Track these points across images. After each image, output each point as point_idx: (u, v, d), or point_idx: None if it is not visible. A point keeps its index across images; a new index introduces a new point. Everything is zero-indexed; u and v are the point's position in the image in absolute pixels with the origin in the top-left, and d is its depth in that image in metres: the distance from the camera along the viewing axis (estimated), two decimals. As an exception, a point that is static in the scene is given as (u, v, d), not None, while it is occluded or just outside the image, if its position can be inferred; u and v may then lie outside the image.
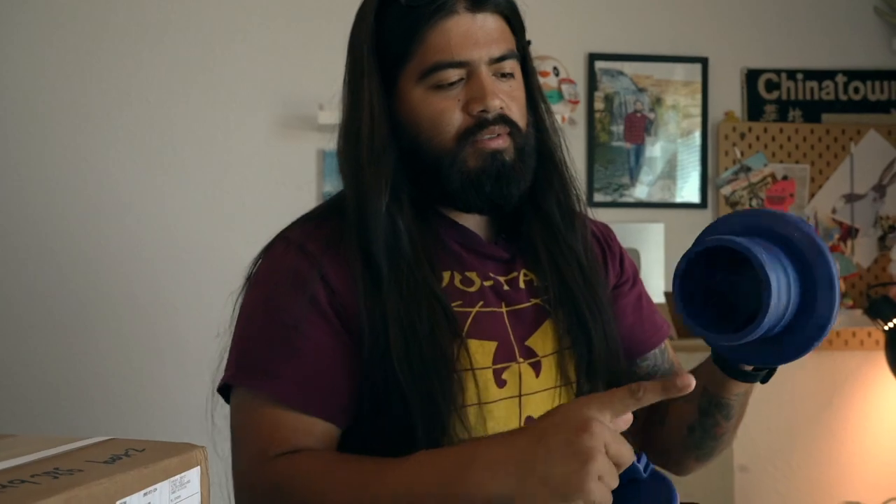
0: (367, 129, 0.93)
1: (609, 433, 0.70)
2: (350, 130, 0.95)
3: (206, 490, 0.56)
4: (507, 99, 0.92)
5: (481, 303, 0.95)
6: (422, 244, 0.93)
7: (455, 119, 0.91)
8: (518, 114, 0.94)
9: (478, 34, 0.90)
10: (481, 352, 0.92)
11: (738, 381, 0.90)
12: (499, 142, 0.91)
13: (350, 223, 0.93)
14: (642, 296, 1.09)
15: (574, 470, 0.68)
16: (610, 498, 0.69)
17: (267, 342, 0.91)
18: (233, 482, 0.93)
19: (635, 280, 1.09)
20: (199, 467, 0.55)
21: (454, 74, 0.90)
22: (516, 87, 0.94)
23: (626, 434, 1.03)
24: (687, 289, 0.81)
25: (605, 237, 1.09)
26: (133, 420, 2.06)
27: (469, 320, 0.93)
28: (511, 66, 0.93)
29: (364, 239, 0.91)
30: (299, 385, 0.89)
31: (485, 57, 0.90)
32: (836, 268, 0.79)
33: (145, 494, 0.50)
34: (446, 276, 0.95)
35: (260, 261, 0.97)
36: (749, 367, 0.88)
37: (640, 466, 0.74)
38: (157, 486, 0.51)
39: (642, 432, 1.03)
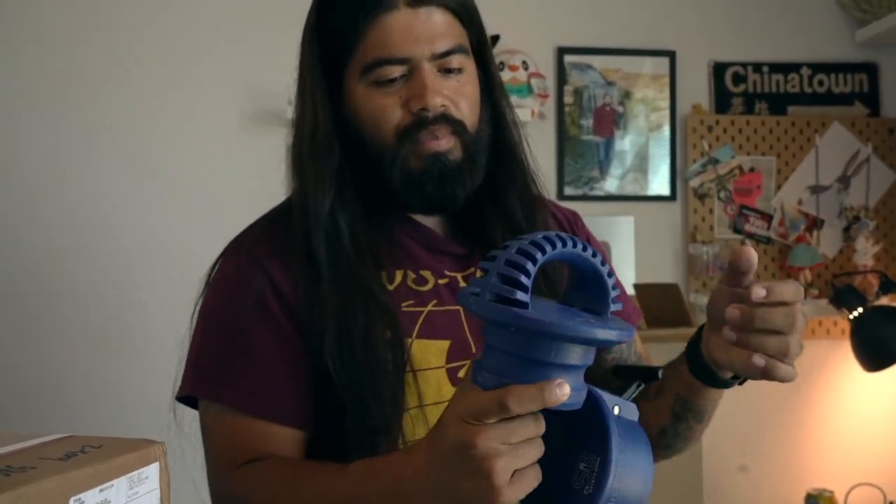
0: (309, 126, 0.92)
1: (499, 430, 0.62)
2: (297, 127, 0.95)
3: (165, 486, 0.55)
4: (454, 95, 0.90)
5: (434, 301, 0.94)
6: (368, 243, 0.92)
7: (395, 116, 0.90)
8: (467, 111, 0.92)
9: (419, 29, 0.88)
10: (433, 351, 0.91)
11: (716, 389, 0.86)
12: (440, 143, 0.90)
13: (295, 222, 0.93)
14: None
15: (481, 487, 0.63)
16: (534, 483, 0.64)
17: (217, 350, 0.92)
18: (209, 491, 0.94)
19: None
20: (157, 463, 0.55)
21: (395, 71, 0.89)
22: (465, 81, 0.92)
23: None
24: None
25: (571, 226, 1.07)
26: (101, 418, 2.04)
27: (420, 320, 0.92)
28: (459, 61, 0.91)
29: (306, 238, 0.91)
30: (249, 391, 0.89)
31: (426, 53, 0.88)
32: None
33: (101, 491, 0.49)
34: (399, 275, 0.94)
35: (215, 266, 0.97)
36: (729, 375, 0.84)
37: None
38: (114, 482, 0.50)
39: None
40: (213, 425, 0.92)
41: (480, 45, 0.96)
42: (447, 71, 0.91)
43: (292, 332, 0.91)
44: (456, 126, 0.91)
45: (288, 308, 0.91)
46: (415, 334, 0.91)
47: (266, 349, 0.90)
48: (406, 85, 0.89)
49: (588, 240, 1.08)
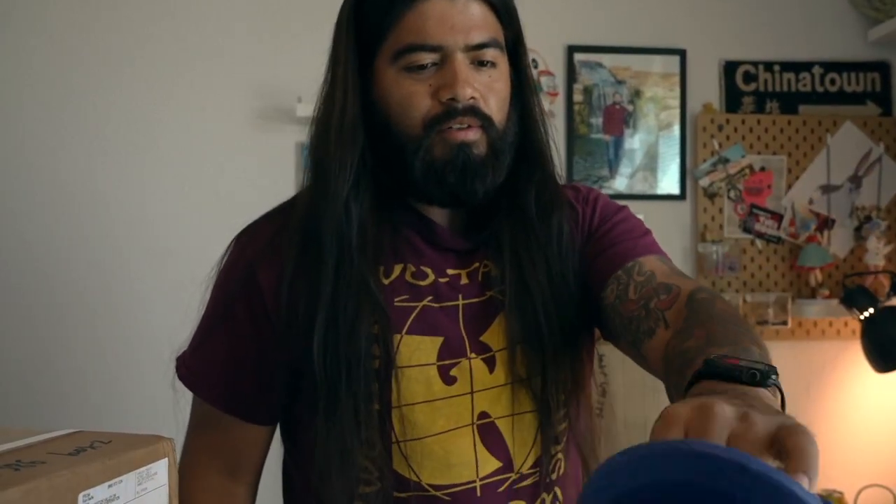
0: (338, 109, 0.91)
1: None
2: (324, 110, 0.93)
3: (173, 482, 0.55)
4: (484, 89, 0.89)
5: (431, 297, 0.92)
6: (374, 236, 0.91)
7: (423, 104, 0.88)
8: (495, 106, 0.90)
9: (455, 19, 0.87)
10: (424, 348, 0.90)
11: None
12: (468, 134, 0.88)
13: (299, 205, 0.93)
14: (606, 235, 0.98)
15: None
16: None
17: (196, 332, 0.99)
18: None
19: (602, 224, 0.99)
20: (166, 459, 0.55)
21: (427, 58, 0.87)
22: (497, 77, 0.91)
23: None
24: None
25: (583, 202, 1.01)
26: (108, 413, 2.05)
27: (413, 316, 0.91)
28: (493, 54, 0.90)
29: (315, 222, 0.90)
30: (199, 374, 0.97)
31: (460, 43, 0.87)
32: None
33: (110, 486, 0.49)
34: (398, 268, 0.93)
35: (223, 255, 1.00)
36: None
37: None
38: (123, 477, 0.51)
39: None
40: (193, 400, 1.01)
41: (516, 45, 0.95)
42: (480, 64, 0.89)
43: (262, 331, 0.93)
44: (483, 120, 0.89)
45: (264, 306, 0.92)
46: (405, 330, 0.91)
47: (225, 342, 0.95)
48: (437, 74, 0.88)
49: (594, 208, 1.00)
